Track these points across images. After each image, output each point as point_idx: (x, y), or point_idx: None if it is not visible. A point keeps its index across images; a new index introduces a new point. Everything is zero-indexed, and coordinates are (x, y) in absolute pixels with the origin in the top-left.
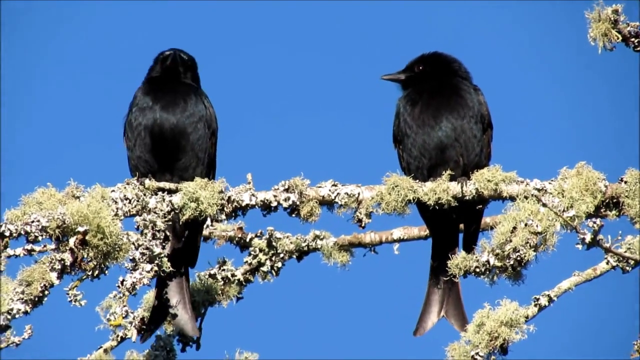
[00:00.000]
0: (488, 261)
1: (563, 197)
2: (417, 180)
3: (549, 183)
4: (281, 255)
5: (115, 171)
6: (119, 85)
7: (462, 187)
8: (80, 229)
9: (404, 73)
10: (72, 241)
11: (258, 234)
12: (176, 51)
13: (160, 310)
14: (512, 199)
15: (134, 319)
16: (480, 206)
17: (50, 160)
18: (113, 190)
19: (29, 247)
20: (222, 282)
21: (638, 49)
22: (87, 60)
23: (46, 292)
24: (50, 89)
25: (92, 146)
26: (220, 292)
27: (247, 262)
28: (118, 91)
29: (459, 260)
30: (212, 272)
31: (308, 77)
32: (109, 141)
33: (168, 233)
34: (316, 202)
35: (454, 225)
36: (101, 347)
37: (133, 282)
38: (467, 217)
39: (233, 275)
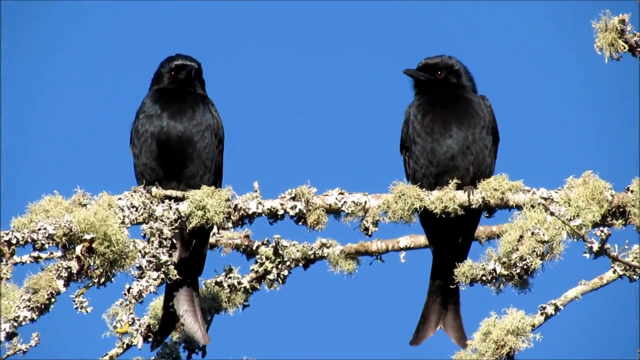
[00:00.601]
0: (494, 269)
1: (569, 206)
2: (424, 189)
3: (556, 192)
4: (287, 263)
5: (121, 179)
6: (126, 92)
7: (469, 196)
8: (87, 236)
9: (424, 73)
10: (78, 249)
11: (265, 242)
12: (187, 61)
13: (170, 319)
14: (519, 207)
15: (140, 326)
16: (487, 215)
17: (56, 167)
18: (120, 198)
19: (35, 254)
20: (229, 290)
21: None
22: (94, 66)
23: (53, 300)
24: (56, 94)
25: (98, 154)
26: (226, 299)
27: (253, 270)
28: (124, 98)
29: (465, 268)
30: (218, 279)
31: (314, 85)
32: (115, 148)
33: (175, 241)
34: (323, 210)
35: (455, 236)
36: (107, 354)
37: (140, 290)
38: (463, 229)
39: (239, 282)
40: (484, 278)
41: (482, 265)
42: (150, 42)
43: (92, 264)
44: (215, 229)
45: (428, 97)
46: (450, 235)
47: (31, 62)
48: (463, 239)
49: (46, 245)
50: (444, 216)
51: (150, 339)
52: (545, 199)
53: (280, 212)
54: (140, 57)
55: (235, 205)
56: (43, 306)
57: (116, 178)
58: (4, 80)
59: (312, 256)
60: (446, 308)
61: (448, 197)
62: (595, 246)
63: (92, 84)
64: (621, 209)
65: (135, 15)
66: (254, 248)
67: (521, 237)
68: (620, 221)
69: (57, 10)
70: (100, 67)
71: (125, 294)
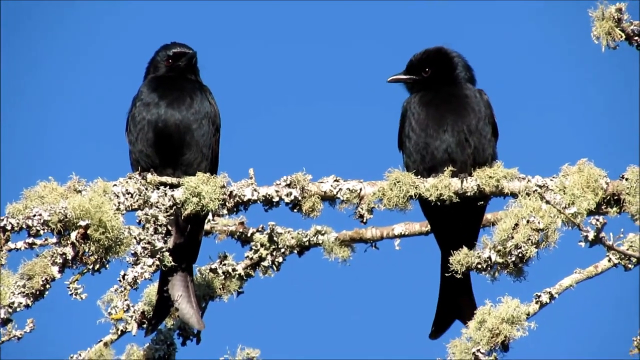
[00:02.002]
0: (490, 257)
1: (564, 194)
2: (419, 177)
3: (551, 180)
4: (282, 250)
5: (117, 166)
6: (121, 80)
7: (462, 183)
8: (82, 223)
9: (409, 74)
10: (73, 235)
11: (259, 229)
12: (185, 48)
13: (164, 304)
14: (514, 195)
15: (134, 312)
16: (482, 202)
17: (51, 154)
18: (115, 185)
19: (30, 240)
20: (223, 277)
21: None
22: (89, 55)
23: (47, 286)
24: (50, 83)
25: (94, 141)
26: (221, 286)
27: (248, 256)
28: (120, 86)
29: (460, 256)
30: (213, 266)
31: (310, 71)
32: (111, 136)
33: (170, 228)
34: (318, 197)
35: (460, 226)
36: (101, 340)
37: (134, 277)
38: (470, 214)
39: (234, 269)
40: (479, 266)
41: (477, 254)
42: (144, 30)
43: (87, 250)
44: (210, 216)
45: (423, 95)
46: (456, 225)
47: (27, 54)
48: (471, 229)
49: (41, 232)
50: (438, 204)
51: (145, 325)
52: (540, 186)
53: (276, 199)
54: (136, 47)
55: (231, 192)
56: (38, 292)
57: (111, 165)
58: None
59: (306, 243)
60: (460, 298)
61: (443, 185)
62: (591, 235)
63: (86, 72)
64: (616, 197)
65: (129, 7)
66: (249, 235)
67: (516, 225)
68: (614, 209)
69: (51, 3)
70: (95, 55)
71: (120, 281)
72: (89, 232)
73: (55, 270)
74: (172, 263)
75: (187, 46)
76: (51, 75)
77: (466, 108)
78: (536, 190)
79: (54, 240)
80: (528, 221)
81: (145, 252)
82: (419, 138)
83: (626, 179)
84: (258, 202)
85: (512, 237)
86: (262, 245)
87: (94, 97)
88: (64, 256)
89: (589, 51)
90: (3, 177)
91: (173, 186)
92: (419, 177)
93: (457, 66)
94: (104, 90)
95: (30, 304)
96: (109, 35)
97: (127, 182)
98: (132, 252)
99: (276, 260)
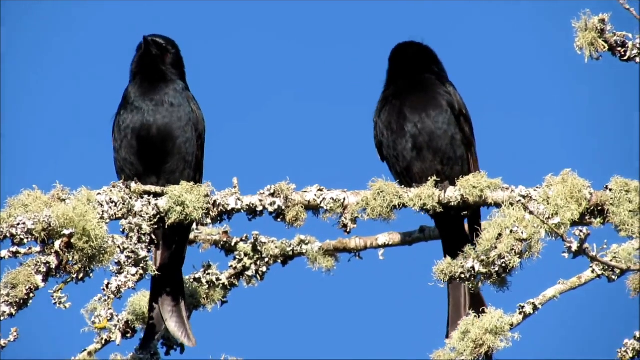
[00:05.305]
0: (473, 267)
1: (548, 204)
2: (403, 186)
3: (534, 190)
4: (266, 259)
5: (102, 173)
6: (107, 86)
7: (443, 193)
8: (66, 231)
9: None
10: (57, 244)
11: (243, 238)
12: (148, 37)
13: (155, 322)
14: (497, 205)
15: (118, 321)
16: (466, 212)
17: (36, 162)
18: (99, 193)
19: (14, 249)
20: (207, 286)
21: (624, 58)
22: (75, 59)
23: (31, 295)
24: (34, 89)
25: (78, 148)
26: (204, 296)
27: (232, 266)
28: (107, 91)
29: (444, 265)
30: (196, 276)
31: (295, 80)
32: (95, 143)
33: (153, 237)
34: (302, 207)
35: (462, 226)
36: (85, 349)
37: (118, 286)
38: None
39: (218, 279)
40: (463, 276)
41: (461, 263)
42: (135, 32)
43: (70, 259)
44: (194, 225)
45: (389, 93)
46: (457, 225)
47: (14, 58)
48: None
49: (25, 240)
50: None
51: (129, 335)
52: (524, 196)
53: (259, 208)
54: (127, 49)
55: (214, 201)
56: (22, 301)
57: (95, 172)
58: None
59: (290, 253)
60: (469, 298)
61: (427, 195)
62: (575, 246)
63: (72, 77)
64: (600, 208)
65: (120, 10)
66: (233, 244)
67: (500, 235)
68: (598, 220)
69: (40, 5)
70: (81, 59)
71: (104, 290)
72: (72, 240)
73: (39, 279)
74: (156, 272)
75: (154, 34)
76: (36, 81)
77: (431, 103)
78: (520, 200)
79: (38, 249)
80: (511, 231)
81: (129, 261)
82: (388, 140)
83: (610, 190)
84: (242, 211)
85: (496, 247)
86: (246, 254)
87: (78, 107)
88: (47, 265)
89: (574, 60)
90: None
91: (157, 195)
92: (403, 186)
93: (433, 60)
94: (87, 98)
95: (14, 312)
96: (105, 36)
97: (111, 190)
98: (116, 261)
99: (260, 269)
